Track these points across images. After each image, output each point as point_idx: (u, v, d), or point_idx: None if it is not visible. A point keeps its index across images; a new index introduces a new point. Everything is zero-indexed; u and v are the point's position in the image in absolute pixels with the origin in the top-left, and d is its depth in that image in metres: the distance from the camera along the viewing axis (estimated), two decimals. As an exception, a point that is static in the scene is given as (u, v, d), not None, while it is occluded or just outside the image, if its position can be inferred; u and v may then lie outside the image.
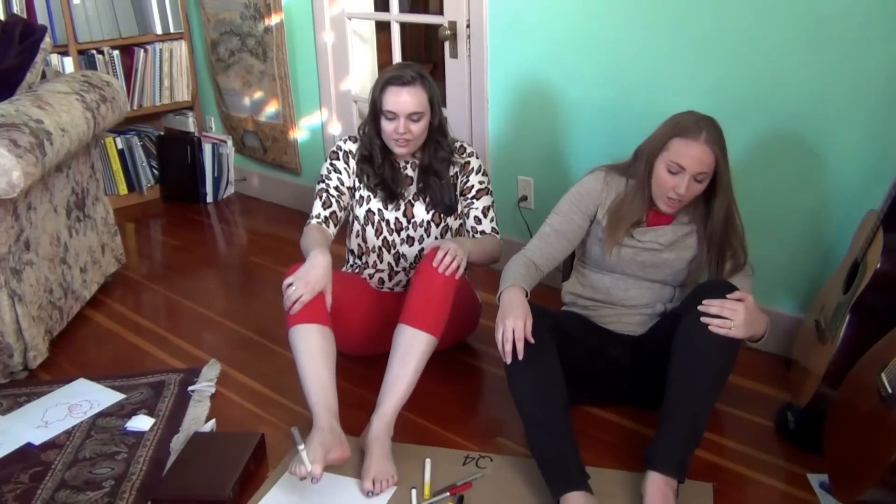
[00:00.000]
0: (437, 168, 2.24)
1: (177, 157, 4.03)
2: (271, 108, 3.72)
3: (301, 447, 1.72)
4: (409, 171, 2.28)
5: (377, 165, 2.24)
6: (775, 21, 2.13)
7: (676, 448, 1.73)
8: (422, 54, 4.80)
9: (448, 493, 1.82)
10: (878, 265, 1.78)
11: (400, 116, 2.10)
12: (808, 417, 1.93)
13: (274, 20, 3.49)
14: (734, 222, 1.98)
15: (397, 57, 3.18)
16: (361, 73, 3.44)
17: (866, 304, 1.81)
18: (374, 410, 1.95)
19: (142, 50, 3.81)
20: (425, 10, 4.50)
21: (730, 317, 1.74)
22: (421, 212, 2.28)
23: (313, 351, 1.95)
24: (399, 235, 2.30)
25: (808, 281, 2.28)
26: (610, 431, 2.05)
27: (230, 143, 4.01)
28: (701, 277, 2.04)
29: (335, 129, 3.52)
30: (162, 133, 4.12)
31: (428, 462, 1.92)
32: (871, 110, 2.04)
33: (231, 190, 4.13)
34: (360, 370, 2.33)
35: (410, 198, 2.28)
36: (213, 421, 2.14)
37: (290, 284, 1.97)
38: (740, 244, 1.98)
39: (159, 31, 3.86)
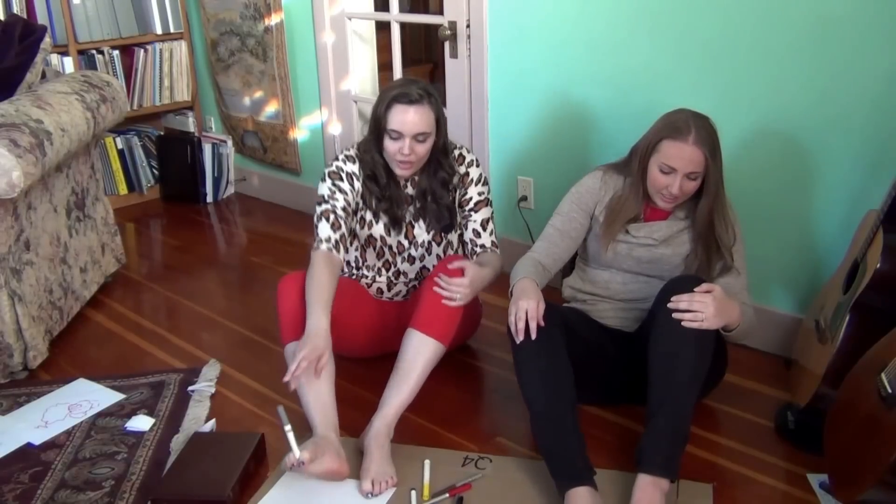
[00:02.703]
0: (435, 190, 2.17)
1: (177, 157, 4.03)
2: (271, 107, 3.72)
3: (287, 427, 1.70)
4: (410, 190, 2.20)
5: (382, 186, 2.14)
6: (776, 22, 2.13)
7: (661, 447, 1.73)
8: (422, 54, 4.80)
9: (447, 495, 1.81)
10: (878, 265, 1.78)
11: (405, 136, 2.01)
12: (808, 417, 1.93)
13: (274, 20, 3.49)
14: (721, 222, 1.98)
15: (397, 57, 3.17)
16: (361, 73, 3.44)
17: (866, 304, 1.81)
18: (377, 411, 1.95)
19: (142, 50, 3.81)
20: (425, 10, 4.49)
21: (700, 309, 1.75)
22: (422, 233, 2.23)
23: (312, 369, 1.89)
24: (401, 255, 2.26)
25: (808, 281, 2.28)
26: (610, 431, 2.05)
27: (230, 143, 4.01)
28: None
29: (335, 129, 3.52)
30: (162, 133, 4.12)
31: (427, 463, 1.92)
32: (871, 111, 2.04)
33: (231, 190, 4.13)
34: (360, 370, 2.32)
35: (410, 219, 2.22)
36: (213, 421, 2.14)
37: (294, 353, 1.90)
38: (727, 248, 1.98)
39: (159, 31, 3.86)
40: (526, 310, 1.82)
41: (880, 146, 2.05)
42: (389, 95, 2.02)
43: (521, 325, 1.82)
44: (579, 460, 1.75)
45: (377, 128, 2.06)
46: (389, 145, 2.04)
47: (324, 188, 2.13)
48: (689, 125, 1.88)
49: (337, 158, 2.17)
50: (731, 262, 1.99)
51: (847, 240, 2.06)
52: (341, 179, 2.13)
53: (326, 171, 2.15)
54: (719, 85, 2.28)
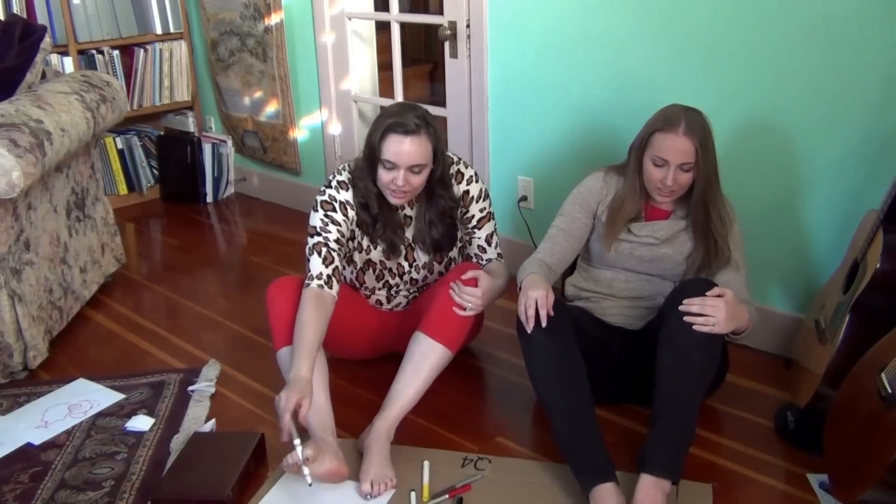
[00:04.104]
0: (437, 223, 2.12)
1: (177, 157, 4.03)
2: (271, 107, 3.72)
3: (297, 441, 1.70)
4: (408, 211, 2.13)
5: (375, 215, 2.06)
6: (775, 21, 2.13)
7: (666, 449, 1.73)
8: (422, 54, 4.80)
9: (447, 496, 1.81)
10: (878, 265, 1.78)
11: (400, 168, 1.92)
12: (808, 417, 1.93)
13: (274, 20, 3.49)
14: (717, 216, 1.99)
15: (397, 57, 3.18)
16: (361, 73, 3.44)
17: (866, 304, 1.81)
18: (378, 413, 1.94)
19: (142, 50, 3.81)
20: (425, 10, 4.49)
21: (711, 314, 1.75)
22: (422, 255, 2.18)
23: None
24: (402, 279, 2.22)
25: (808, 281, 2.28)
26: (610, 431, 2.04)
27: (230, 143, 4.01)
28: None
29: (335, 128, 3.52)
30: (162, 133, 4.12)
31: (426, 464, 1.91)
32: (870, 110, 2.04)
33: (231, 190, 4.13)
34: (360, 370, 2.32)
35: (410, 241, 2.15)
36: (213, 421, 2.14)
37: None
38: (724, 241, 1.99)
39: (159, 31, 3.86)
40: (536, 298, 1.82)
41: (880, 146, 2.05)
42: (385, 124, 1.93)
43: (532, 312, 1.81)
44: (602, 456, 1.76)
45: (371, 156, 1.97)
46: (383, 175, 1.95)
47: (315, 219, 2.03)
48: (680, 117, 1.90)
49: (329, 185, 2.06)
50: (728, 256, 1.99)
51: (847, 240, 2.06)
52: (334, 210, 2.03)
53: (318, 199, 2.05)
54: (718, 84, 2.28)
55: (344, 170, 2.08)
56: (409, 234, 2.15)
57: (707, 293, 1.78)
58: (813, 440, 1.85)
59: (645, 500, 1.68)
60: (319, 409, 1.88)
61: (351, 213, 2.06)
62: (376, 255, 2.15)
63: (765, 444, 1.98)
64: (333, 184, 2.06)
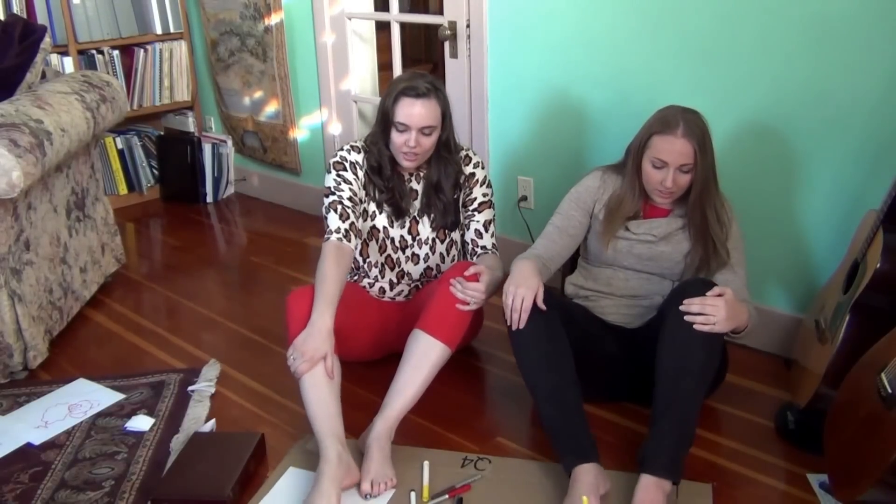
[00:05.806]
0: (442, 184, 2.19)
1: (177, 157, 4.03)
2: (271, 107, 3.72)
3: None
4: (414, 185, 2.22)
5: (386, 178, 2.17)
6: (776, 21, 2.13)
7: (667, 449, 1.73)
8: (422, 54, 4.80)
9: (447, 496, 1.81)
10: (878, 265, 1.78)
11: (412, 129, 2.04)
12: (808, 417, 1.93)
13: (274, 20, 3.49)
14: (714, 217, 2.00)
15: (397, 57, 3.17)
16: (361, 73, 3.44)
17: (866, 304, 1.81)
18: (379, 412, 1.94)
19: (142, 50, 3.81)
20: (425, 10, 4.50)
21: (711, 313, 1.76)
22: (426, 229, 2.24)
23: (318, 377, 1.89)
24: (404, 253, 2.25)
25: (808, 281, 2.28)
26: (609, 431, 2.05)
27: (230, 143, 4.01)
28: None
29: (335, 128, 3.52)
30: (162, 133, 4.12)
31: (426, 464, 1.91)
32: (871, 110, 2.04)
33: (231, 190, 4.13)
34: (361, 370, 2.32)
35: (416, 214, 2.23)
36: (213, 421, 2.14)
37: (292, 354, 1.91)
38: (721, 243, 2.00)
39: (159, 31, 3.86)
40: (523, 298, 1.84)
41: (880, 146, 2.05)
42: (397, 88, 2.05)
43: (515, 317, 1.84)
44: (584, 438, 1.78)
45: (384, 120, 2.09)
46: (396, 137, 2.07)
47: (329, 180, 2.15)
48: (678, 119, 1.91)
49: (342, 148, 2.18)
50: (726, 259, 2.00)
51: (847, 240, 2.06)
52: (345, 169, 2.15)
53: (331, 161, 2.17)
54: (718, 85, 2.28)
55: (359, 140, 2.21)
56: (416, 204, 2.22)
57: (707, 293, 1.79)
58: (813, 440, 1.85)
59: (645, 500, 1.68)
60: (329, 417, 1.86)
61: (360, 173, 2.16)
62: (381, 220, 2.21)
63: (765, 444, 1.98)
64: (346, 147, 2.18)
